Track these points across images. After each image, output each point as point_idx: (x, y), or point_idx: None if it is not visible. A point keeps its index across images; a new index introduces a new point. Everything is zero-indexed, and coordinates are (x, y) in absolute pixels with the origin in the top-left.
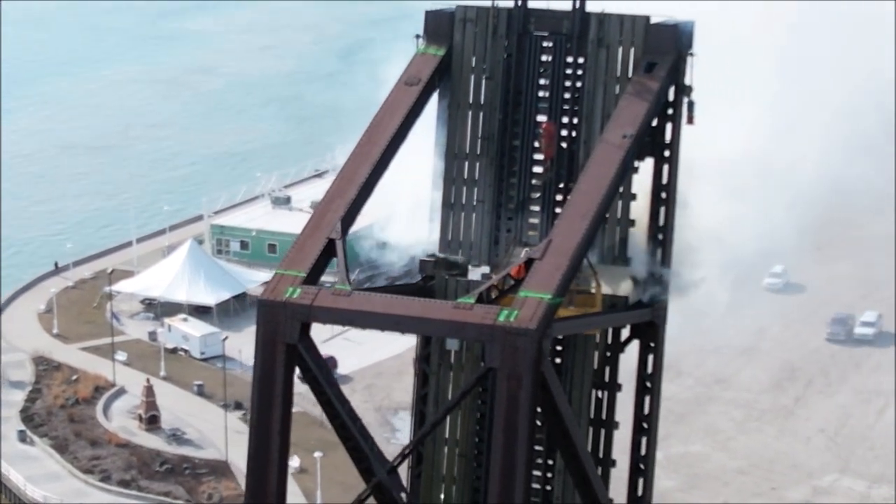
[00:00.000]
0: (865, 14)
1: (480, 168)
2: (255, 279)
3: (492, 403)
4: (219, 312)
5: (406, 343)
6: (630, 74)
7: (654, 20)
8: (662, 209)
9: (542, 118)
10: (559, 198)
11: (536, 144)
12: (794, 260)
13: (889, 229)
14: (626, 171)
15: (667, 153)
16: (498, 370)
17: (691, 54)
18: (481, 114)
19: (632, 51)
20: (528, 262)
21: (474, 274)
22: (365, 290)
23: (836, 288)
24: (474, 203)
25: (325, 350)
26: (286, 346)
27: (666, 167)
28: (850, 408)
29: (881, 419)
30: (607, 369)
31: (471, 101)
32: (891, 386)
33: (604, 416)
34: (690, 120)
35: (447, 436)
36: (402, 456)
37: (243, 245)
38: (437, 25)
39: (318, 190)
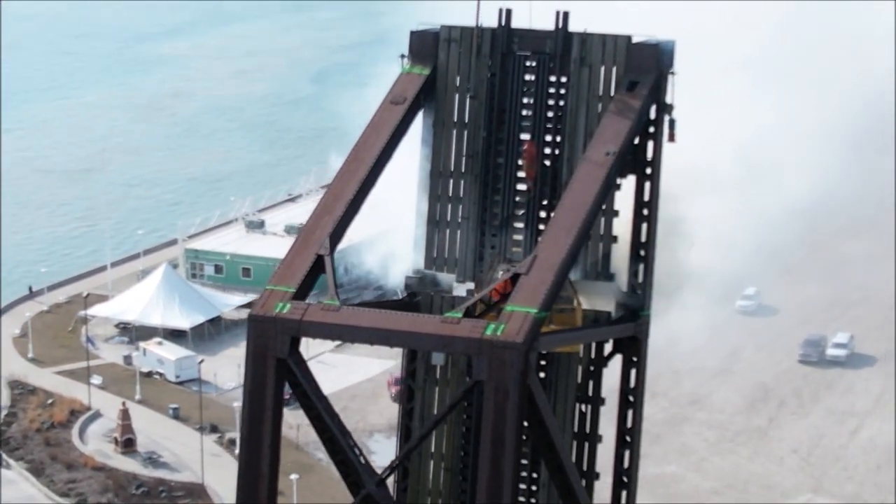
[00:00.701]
0: (847, 33)
1: (465, 185)
2: (229, 303)
3: (477, 417)
4: (193, 336)
5: (380, 366)
6: (612, 93)
7: (635, 39)
8: (644, 225)
9: (525, 136)
10: (543, 214)
11: (520, 163)
12: (767, 282)
13: (860, 250)
14: (608, 188)
15: (648, 170)
16: (485, 383)
17: (672, 73)
18: (466, 132)
19: (614, 70)
20: (514, 277)
21: (459, 290)
22: (353, 306)
23: (808, 310)
24: (459, 220)
25: None
26: (276, 361)
27: (648, 184)
28: (822, 428)
29: (854, 440)
30: (591, 384)
31: (455, 119)
32: (863, 406)
33: (587, 430)
34: (672, 138)
35: (433, 450)
36: (391, 469)
37: (217, 269)
38: (422, 45)
39: (291, 214)
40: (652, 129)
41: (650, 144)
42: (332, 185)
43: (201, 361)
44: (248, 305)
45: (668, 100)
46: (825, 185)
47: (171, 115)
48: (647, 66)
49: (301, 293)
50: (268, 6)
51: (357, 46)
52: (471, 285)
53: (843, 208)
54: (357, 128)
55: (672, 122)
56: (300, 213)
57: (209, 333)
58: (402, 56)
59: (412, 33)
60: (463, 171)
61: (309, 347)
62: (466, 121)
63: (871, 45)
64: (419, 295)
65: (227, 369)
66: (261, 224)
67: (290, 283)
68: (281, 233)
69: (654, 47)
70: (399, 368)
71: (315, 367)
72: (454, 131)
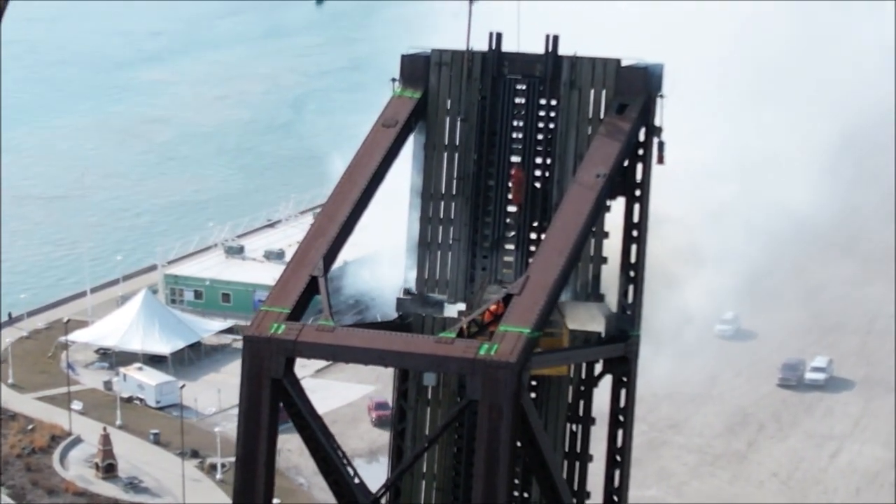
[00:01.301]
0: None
1: (456, 207)
2: (209, 328)
3: (469, 437)
4: (174, 361)
5: (360, 391)
6: (602, 116)
7: (624, 63)
8: (634, 247)
9: (516, 159)
10: (533, 236)
11: (510, 185)
12: (745, 306)
13: (837, 275)
14: (599, 210)
15: (638, 192)
16: (479, 402)
17: (661, 96)
18: (457, 155)
19: (603, 93)
20: (507, 298)
21: (449, 311)
22: (348, 326)
23: (786, 334)
24: (450, 241)
25: None
26: (271, 381)
27: (637, 206)
28: (802, 452)
29: (833, 463)
30: (581, 404)
31: (446, 142)
32: (842, 430)
33: (578, 450)
34: (661, 160)
35: (424, 470)
36: (386, 487)
37: (197, 294)
38: (413, 69)
39: (271, 239)
40: (641, 152)
41: (639, 167)
42: (325, 207)
43: (182, 386)
44: (229, 331)
45: (657, 122)
46: (804, 210)
47: (149, 141)
48: (637, 89)
49: (296, 314)
50: (246, 32)
51: (334, 72)
52: (461, 306)
53: (821, 233)
54: (339, 152)
55: (661, 145)
56: (279, 238)
57: (189, 359)
58: (394, 80)
59: (403, 57)
60: (454, 193)
61: None
62: (457, 143)
63: (852, 69)
64: (410, 316)
65: (207, 394)
66: (240, 250)
67: (285, 304)
68: (261, 258)
69: (643, 70)
70: (378, 393)
71: None
72: (445, 154)
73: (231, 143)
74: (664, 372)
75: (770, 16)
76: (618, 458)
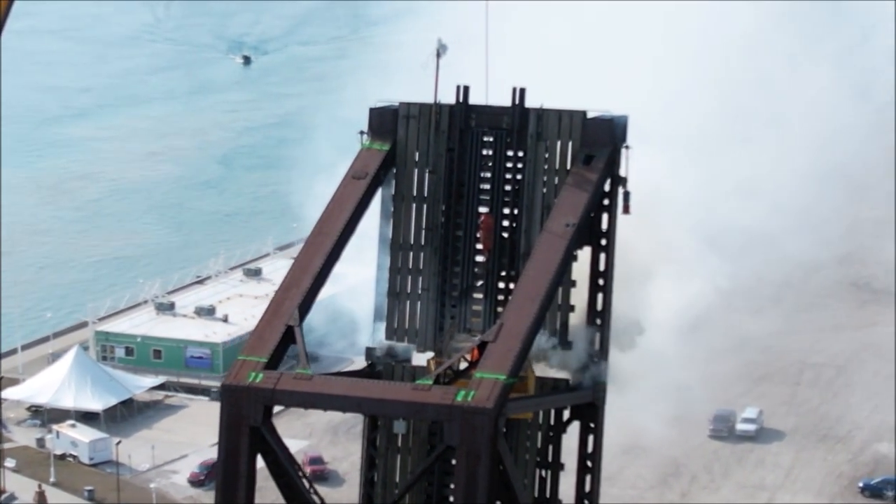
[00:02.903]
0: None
1: (425, 257)
2: (141, 385)
3: (439, 483)
4: (106, 418)
5: (294, 446)
6: (568, 166)
7: (590, 115)
8: (600, 295)
9: (483, 209)
10: (501, 285)
11: (478, 235)
12: (674, 358)
13: (764, 327)
14: (569, 259)
15: (603, 241)
16: (457, 448)
17: (626, 147)
18: (425, 206)
19: (570, 144)
20: (482, 345)
21: (419, 359)
22: (325, 375)
23: (715, 385)
24: (419, 291)
25: (213, 454)
26: (250, 429)
27: (603, 255)
28: (735, 503)
29: None
30: (550, 449)
31: (415, 193)
32: (774, 481)
33: (548, 495)
34: (626, 210)
35: None
36: None
37: (128, 351)
38: (382, 122)
39: (201, 295)
40: (606, 202)
41: (605, 216)
42: (298, 259)
43: (118, 443)
44: (161, 387)
45: (623, 173)
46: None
47: (78, 197)
48: (602, 141)
49: (272, 363)
50: (176, 88)
51: (263, 128)
52: (430, 355)
53: (747, 286)
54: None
55: (627, 195)
56: (210, 294)
57: (122, 415)
58: (362, 132)
59: (371, 110)
60: (423, 243)
61: None
62: (426, 195)
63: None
64: (380, 365)
65: (141, 451)
66: (171, 306)
67: (262, 354)
68: (191, 315)
69: (609, 122)
70: (312, 448)
71: None
72: (414, 205)
73: (160, 198)
74: None
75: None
76: (586, 503)
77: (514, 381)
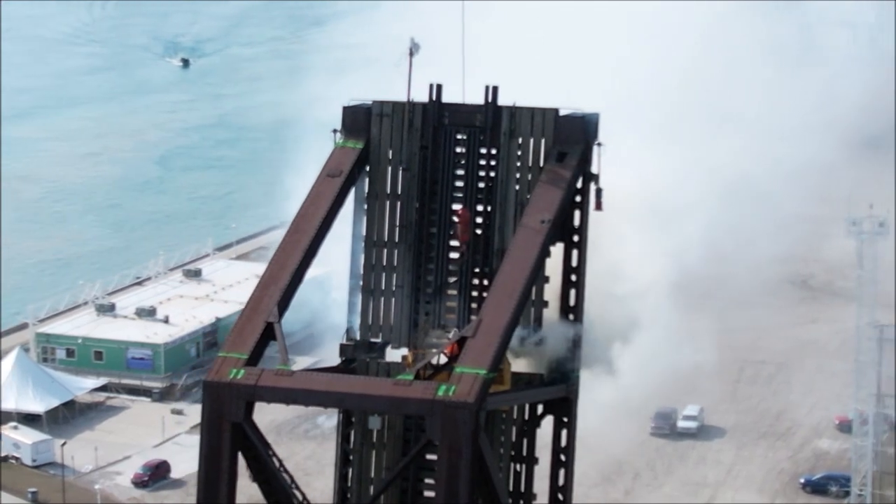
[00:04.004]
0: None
1: (399, 255)
2: (83, 386)
3: (414, 478)
4: (48, 420)
5: None
6: (541, 163)
7: (562, 112)
8: (573, 291)
9: (457, 206)
10: (476, 282)
11: (452, 232)
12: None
13: (703, 324)
14: (545, 255)
15: (576, 238)
16: (439, 443)
17: (599, 144)
18: (399, 203)
19: (542, 141)
20: (461, 340)
21: (392, 356)
22: (306, 371)
23: (656, 382)
24: (393, 288)
25: (156, 455)
26: (231, 425)
27: (575, 251)
28: (678, 499)
29: None
30: (525, 443)
31: (388, 191)
32: (716, 477)
33: (522, 489)
34: (599, 206)
35: None
36: None
37: (69, 353)
38: (355, 120)
39: (142, 297)
40: (578, 199)
41: (577, 213)
42: (275, 256)
43: (64, 444)
44: (103, 388)
45: (594, 170)
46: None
47: (17, 199)
48: (575, 138)
49: (253, 359)
50: (114, 89)
51: (201, 129)
52: (404, 351)
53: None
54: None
55: (599, 191)
56: (150, 296)
57: (64, 417)
58: (335, 130)
59: (345, 108)
60: (396, 240)
61: (165, 429)
62: (399, 192)
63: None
64: (354, 361)
65: (83, 452)
66: (111, 307)
67: (243, 350)
68: (132, 316)
69: (581, 119)
70: None
71: (171, 449)
72: (388, 202)
73: (100, 199)
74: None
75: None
76: (560, 496)
77: (493, 376)
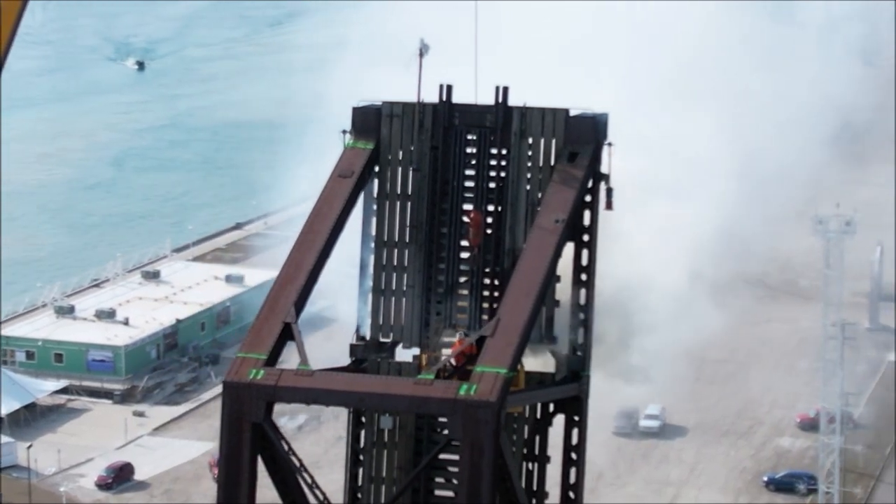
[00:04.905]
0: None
1: (409, 254)
2: (43, 388)
3: (426, 477)
4: (10, 422)
5: (199, 448)
6: (552, 164)
7: (573, 112)
8: (583, 290)
9: (468, 207)
10: (487, 281)
11: (464, 233)
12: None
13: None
14: (559, 254)
15: (586, 237)
16: (461, 442)
17: (609, 144)
18: (409, 203)
19: (553, 142)
20: (480, 340)
21: (402, 356)
22: (326, 371)
23: (618, 381)
24: (404, 288)
25: (119, 457)
26: (251, 426)
27: (585, 251)
28: (641, 498)
29: None
30: (537, 442)
31: (399, 191)
32: (679, 476)
33: (535, 488)
34: (609, 206)
35: None
36: None
37: (29, 355)
38: (365, 121)
39: (101, 298)
40: (588, 198)
41: (587, 213)
42: (290, 256)
43: (30, 447)
44: (64, 391)
45: (605, 170)
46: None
47: None
48: (586, 138)
49: (272, 360)
50: (66, 90)
51: (153, 130)
52: (416, 351)
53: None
54: (164, 210)
55: (610, 191)
56: (109, 297)
57: (25, 419)
58: (344, 131)
59: (354, 109)
60: (407, 240)
61: (128, 431)
62: (409, 192)
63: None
64: (365, 361)
65: (46, 455)
66: (71, 309)
67: (261, 350)
68: (92, 318)
69: (592, 119)
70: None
71: (133, 451)
72: (398, 202)
73: (54, 201)
74: None
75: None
76: (571, 495)
77: (513, 375)
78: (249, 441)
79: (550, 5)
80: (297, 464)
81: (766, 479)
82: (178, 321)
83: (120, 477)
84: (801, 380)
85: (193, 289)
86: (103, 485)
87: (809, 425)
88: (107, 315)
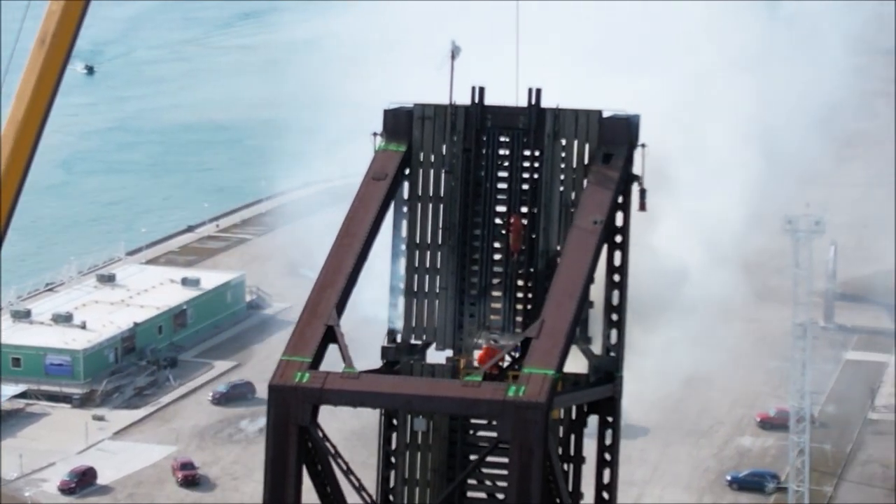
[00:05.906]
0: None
1: (442, 256)
2: (1, 393)
3: (462, 480)
4: None
5: (161, 452)
6: (585, 165)
7: (605, 114)
8: (616, 291)
9: (501, 209)
10: (520, 283)
11: (504, 235)
12: None
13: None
14: (598, 255)
15: (619, 238)
16: (510, 443)
17: (642, 145)
18: (442, 205)
19: (586, 143)
20: (525, 342)
21: (436, 357)
22: (370, 373)
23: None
24: (437, 290)
25: (80, 461)
26: (298, 429)
27: (618, 252)
28: None
29: None
30: (572, 443)
31: (431, 193)
32: (642, 476)
33: (570, 488)
34: (643, 207)
35: None
36: None
37: None
38: (396, 123)
39: (57, 302)
40: (620, 199)
41: (619, 214)
42: (329, 260)
43: None
44: (23, 395)
45: (637, 171)
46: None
47: None
48: (620, 139)
49: (315, 363)
50: (11, 92)
51: (101, 133)
52: (449, 352)
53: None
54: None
55: (643, 192)
56: (65, 301)
57: None
58: (375, 134)
59: (386, 112)
60: (440, 242)
61: (88, 436)
62: (442, 195)
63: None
64: (398, 363)
65: (7, 460)
66: (27, 313)
67: (305, 354)
68: (49, 322)
69: (625, 121)
70: (181, 454)
71: (95, 455)
72: (430, 205)
73: None
74: None
75: None
76: (605, 495)
77: (560, 376)
78: (296, 444)
79: (566, 11)
80: (345, 466)
81: (729, 477)
82: (136, 324)
83: (83, 481)
84: (759, 379)
85: (150, 292)
86: (66, 489)
87: (770, 424)
88: (64, 319)
